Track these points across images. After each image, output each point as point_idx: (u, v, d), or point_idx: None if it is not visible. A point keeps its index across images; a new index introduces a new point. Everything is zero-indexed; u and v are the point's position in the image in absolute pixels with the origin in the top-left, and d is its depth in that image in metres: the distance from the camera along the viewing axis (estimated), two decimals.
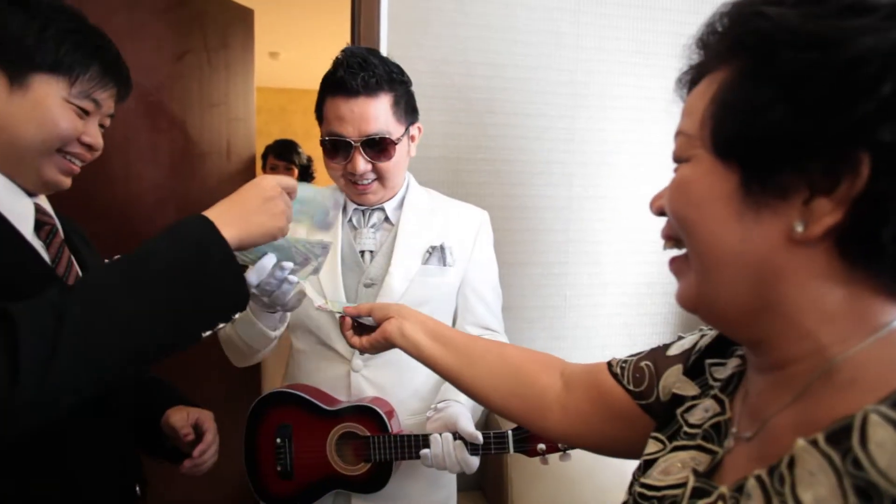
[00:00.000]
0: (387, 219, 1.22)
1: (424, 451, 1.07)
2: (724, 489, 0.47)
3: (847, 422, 0.39)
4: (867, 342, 0.43)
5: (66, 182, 0.92)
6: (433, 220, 1.22)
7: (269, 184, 0.81)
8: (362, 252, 1.21)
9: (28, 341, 0.61)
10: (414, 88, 1.65)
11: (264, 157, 3.01)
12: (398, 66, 1.16)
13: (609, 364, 0.75)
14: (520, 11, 1.68)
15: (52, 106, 0.84)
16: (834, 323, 0.44)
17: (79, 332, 0.64)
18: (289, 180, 0.85)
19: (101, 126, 0.94)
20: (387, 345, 0.85)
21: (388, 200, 1.22)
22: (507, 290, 1.72)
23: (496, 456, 1.63)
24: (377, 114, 1.09)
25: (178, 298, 0.71)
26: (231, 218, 0.76)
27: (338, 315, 0.95)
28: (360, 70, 1.07)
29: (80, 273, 0.95)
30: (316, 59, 5.00)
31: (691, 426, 0.59)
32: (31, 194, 0.91)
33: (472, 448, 1.07)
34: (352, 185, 1.16)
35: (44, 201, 0.96)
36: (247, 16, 2.25)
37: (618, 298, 1.86)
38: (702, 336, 0.67)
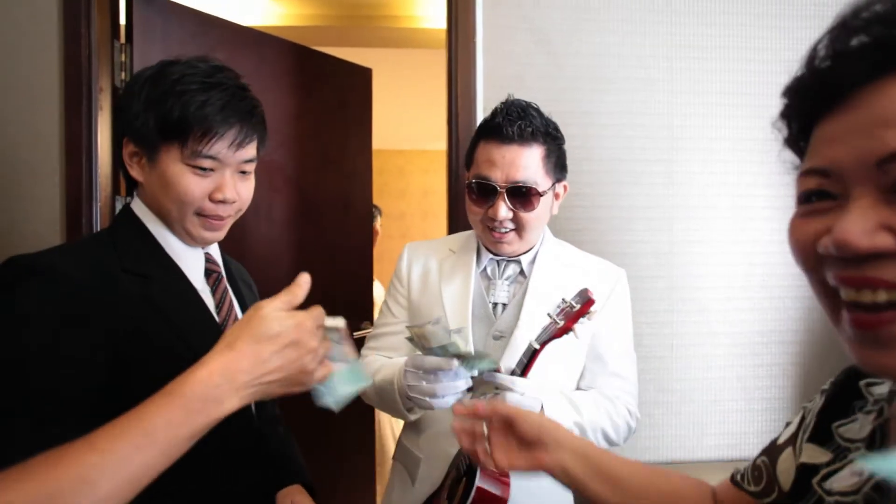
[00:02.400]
0: (521, 272, 1.18)
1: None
2: None
3: None
4: None
5: (217, 236, 0.94)
6: (567, 275, 1.15)
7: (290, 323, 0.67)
8: (494, 304, 1.16)
9: None
10: None
11: None
12: (555, 124, 1.15)
13: (732, 475, 0.70)
14: (611, 61, 1.66)
15: (173, 174, 0.87)
16: None
17: None
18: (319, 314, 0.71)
19: (244, 172, 0.93)
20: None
21: (524, 253, 1.17)
22: None
23: None
24: (527, 163, 1.07)
25: None
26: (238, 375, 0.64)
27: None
28: (518, 119, 1.07)
29: (239, 315, 1.01)
30: (430, 122, 5.28)
31: (839, 493, 0.50)
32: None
33: None
34: (489, 231, 1.12)
35: (214, 249, 1.02)
36: (366, 75, 2.38)
37: (729, 349, 1.69)
38: (809, 406, 0.61)
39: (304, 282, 0.70)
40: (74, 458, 0.53)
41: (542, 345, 0.96)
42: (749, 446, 1.69)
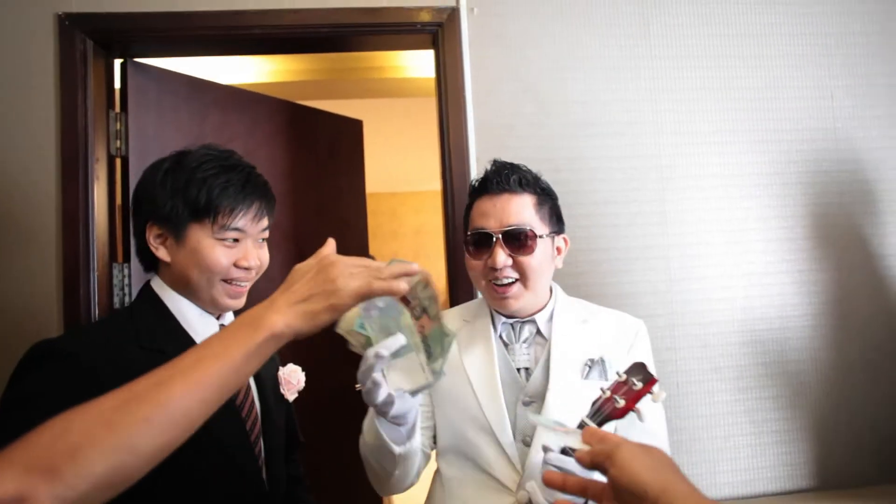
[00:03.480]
0: (539, 332, 1.12)
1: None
2: None
3: None
4: None
5: (239, 303, 1.01)
6: (587, 332, 1.12)
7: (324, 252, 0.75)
8: (518, 369, 1.10)
9: None
10: None
11: None
12: (547, 184, 1.16)
13: None
14: (597, 107, 1.69)
15: (204, 248, 0.96)
16: None
17: None
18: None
19: (262, 240, 1.03)
20: None
21: (537, 312, 1.12)
22: None
23: None
24: (519, 209, 1.07)
25: None
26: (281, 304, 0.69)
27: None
28: (509, 171, 1.10)
29: (250, 382, 1.04)
30: (420, 163, 5.33)
31: None
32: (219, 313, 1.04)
33: None
34: (492, 287, 1.08)
35: (228, 319, 1.06)
36: (356, 127, 2.40)
37: (734, 383, 1.67)
38: None
39: (329, 243, 0.77)
40: (152, 373, 0.58)
41: (600, 425, 0.86)
42: (762, 481, 1.66)
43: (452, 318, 1.20)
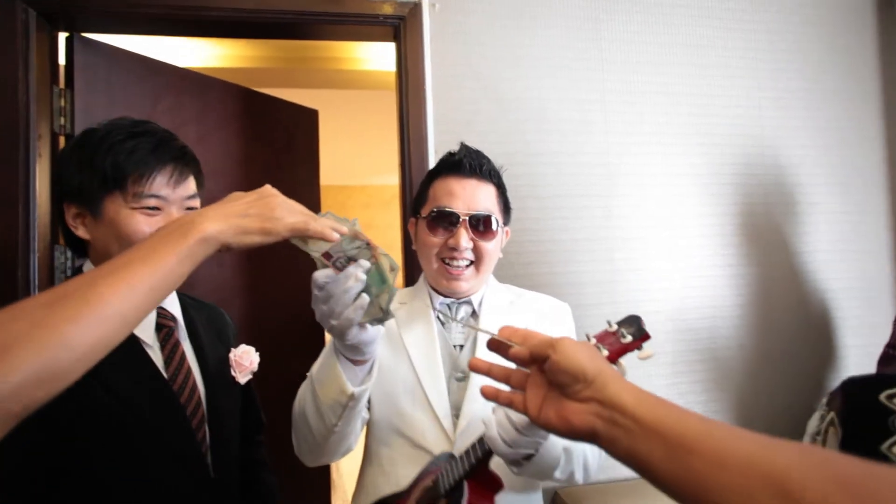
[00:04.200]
0: (473, 313, 1.16)
1: (489, 433, 0.86)
2: None
3: None
4: None
5: None
6: (514, 311, 1.17)
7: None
8: (454, 346, 1.13)
9: None
10: None
11: None
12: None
13: None
14: (552, 105, 1.76)
15: (122, 219, 0.91)
16: None
17: None
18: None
19: (193, 208, 0.97)
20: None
21: (474, 294, 1.16)
22: None
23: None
24: (486, 196, 1.10)
25: None
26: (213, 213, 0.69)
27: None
28: (478, 158, 1.12)
29: (191, 368, 1.00)
30: (371, 158, 5.25)
31: None
32: None
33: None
34: (445, 268, 1.09)
35: (170, 302, 1.02)
36: (312, 116, 2.37)
37: (670, 368, 1.79)
38: (827, 406, 0.62)
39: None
40: (82, 275, 0.57)
41: None
42: None
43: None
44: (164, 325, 1.00)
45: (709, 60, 1.88)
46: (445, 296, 1.15)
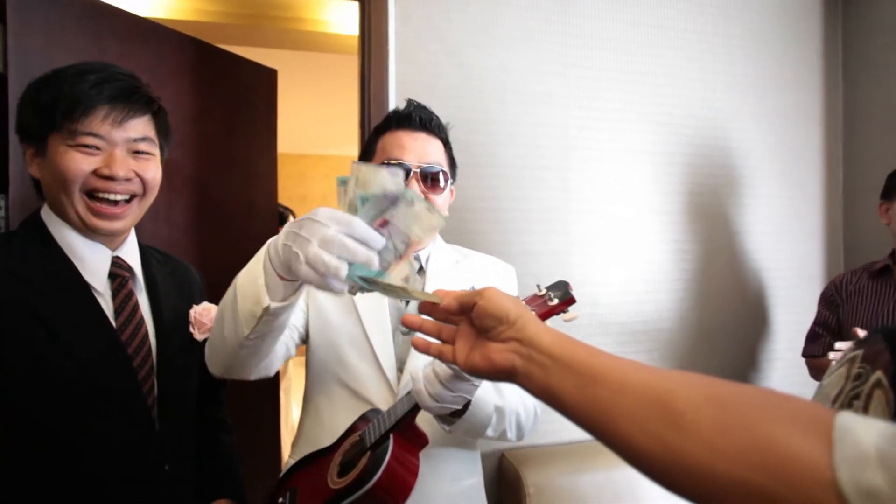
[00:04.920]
0: (421, 269, 1.14)
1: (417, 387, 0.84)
2: None
3: None
4: None
5: (111, 225, 0.92)
6: (461, 272, 1.16)
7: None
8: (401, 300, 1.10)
9: None
10: None
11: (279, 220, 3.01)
12: None
13: None
14: (515, 75, 1.76)
15: (59, 155, 0.88)
16: None
17: None
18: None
19: (145, 153, 0.93)
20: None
21: (421, 250, 1.14)
22: None
23: (515, 477, 1.59)
24: (436, 150, 1.10)
25: None
26: None
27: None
28: (427, 113, 1.11)
29: (144, 320, 0.97)
30: (332, 127, 5.11)
31: None
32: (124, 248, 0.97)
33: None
34: None
35: (128, 253, 0.99)
36: (270, 76, 2.28)
37: (617, 337, 1.85)
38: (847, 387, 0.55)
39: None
40: None
41: None
42: None
43: None
44: (118, 275, 0.96)
45: (668, 42, 1.91)
46: None
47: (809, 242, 2.12)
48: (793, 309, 2.07)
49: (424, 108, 1.12)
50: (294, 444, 1.12)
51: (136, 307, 0.96)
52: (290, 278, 0.73)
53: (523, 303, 0.80)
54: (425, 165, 1.07)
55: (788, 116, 2.08)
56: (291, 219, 2.89)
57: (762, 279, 2.05)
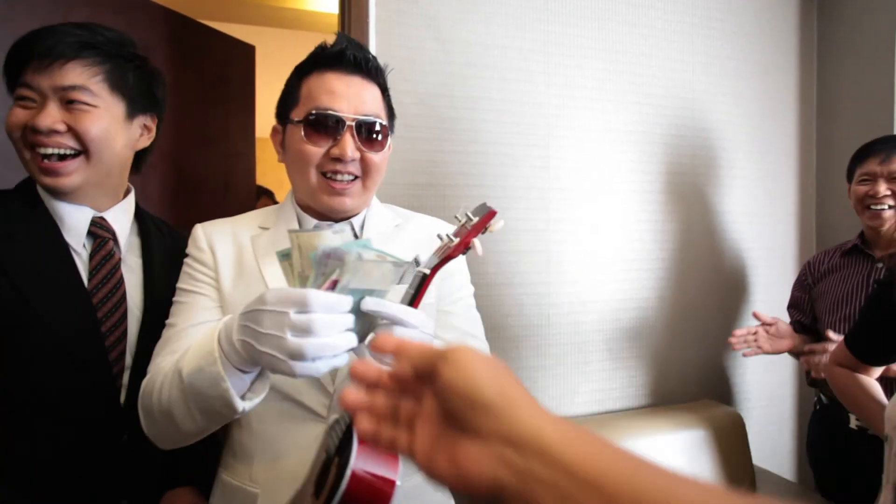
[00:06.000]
0: (355, 236, 0.97)
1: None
2: None
3: None
4: None
5: (58, 182, 0.89)
6: (401, 236, 1.00)
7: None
8: None
9: None
10: (402, 120, 1.64)
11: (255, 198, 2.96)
12: None
13: None
14: (496, 52, 1.73)
15: (8, 112, 0.88)
16: None
17: None
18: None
19: (80, 103, 0.88)
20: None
21: (354, 216, 0.97)
22: (492, 310, 1.71)
23: None
24: (373, 97, 0.91)
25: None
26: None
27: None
28: (362, 51, 0.92)
29: (126, 289, 0.95)
30: None
31: None
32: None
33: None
34: (326, 182, 0.89)
35: (116, 216, 0.97)
36: (248, 52, 2.22)
37: (596, 315, 1.85)
38: None
39: None
40: None
41: (435, 269, 0.73)
42: (612, 400, 1.87)
43: (244, 224, 0.98)
44: (98, 235, 0.94)
45: (648, 21, 1.90)
46: (322, 217, 0.95)
47: (784, 223, 2.14)
48: (769, 288, 2.10)
49: (360, 45, 0.93)
50: (223, 460, 0.94)
51: (115, 269, 0.94)
52: (251, 369, 0.70)
53: (450, 243, 0.74)
54: (361, 117, 0.88)
55: (763, 100, 2.09)
56: (268, 202, 2.86)
57: (740, 259, 2.06)
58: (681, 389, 1.96)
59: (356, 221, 0.97)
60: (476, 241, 0.75)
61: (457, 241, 0.74)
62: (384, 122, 0.92)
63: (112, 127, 0.91)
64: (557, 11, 1.79)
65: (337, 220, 0.94)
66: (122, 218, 0.98)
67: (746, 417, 1.93)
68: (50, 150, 0.87)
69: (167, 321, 0.89)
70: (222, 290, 0.89)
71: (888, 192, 1.52)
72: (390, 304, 0.67)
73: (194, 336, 0.83)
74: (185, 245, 1.01)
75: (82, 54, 0.87)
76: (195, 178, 1.99)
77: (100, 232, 0.94)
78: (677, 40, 1.94)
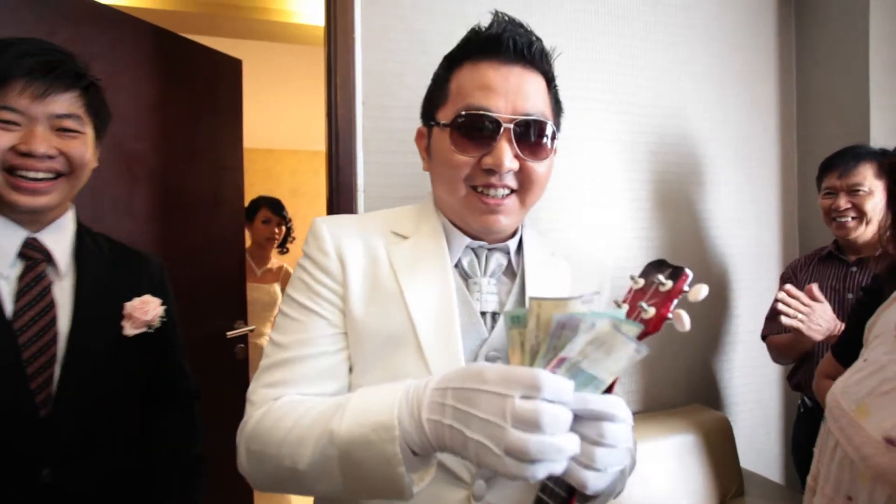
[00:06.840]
0: (509, 265, 0.80)
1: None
2: None
3: None
4: None
5: (33, 202, 0.87)
6: (556, 268, 0.82)
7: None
8: (483, 313, 0.76)
9: None
10: (388, 133, 1.67)
11: (254, 209, 2.94)
12: None
13: None
14: None
15: None
16: None
17: None
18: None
19: (70, 130, 0.88)
20: None
21: (510, 238, 0.80)
22: None
23: None
24: (537, 91, 0.73)
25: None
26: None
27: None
28: (525, 35, 0.74)
29: (57, 310, 0.89)
30: (301, 122, 4.99)
31: None
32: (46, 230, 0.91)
33: None
34: (477, 197, 0.73)
35: (50, 235, 0.92)
36: (235, 66, 2.21)
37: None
38: None
39: None
40: None
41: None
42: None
43: (375, 227, 0.80)
44: (30, 257, 0.90)
45: (632, 31, 1.91)
46: (472, 237, 0.78)
47: (767, 228, 2.17)
48: (752, 293, 2.12)
49: (521, 25, 0.75)
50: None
51: (44, 292, 0.89)
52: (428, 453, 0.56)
53: (643, 312, 0.59)
54: (521, 116, 0.71)
55: (746, 107, 2.12)
56: (267, 214, 2.85)
57: (725, 264, 2.09)
58: (669, 395, 1.97)
59: (512, 245, 0.80)
60: (682, 312, 0.60)
61: (652, 311, 0.59)
62: (550, 122, 0.74)
63: (90, 150, 0.94)
64: (542, 24, 1.80)
65: (490, 242, 0.78)
66: (59, 238, 0.94)
67: (734, 421, 1.95)
68: (41, 175, 0.86)
69: (272, 335, 0.73)
70: (350, 312, 0.72)
71: (848, 206, 1.56)
72: (597, 396, 0.51)
73: (314, 369, 0.69)
74: (134, 261, 0.97)
75: (74, 83, 0.89)
76: (183, 193, 1.97)
77: (31, 253, 0.90)
78: (661, 50, 1.96)
